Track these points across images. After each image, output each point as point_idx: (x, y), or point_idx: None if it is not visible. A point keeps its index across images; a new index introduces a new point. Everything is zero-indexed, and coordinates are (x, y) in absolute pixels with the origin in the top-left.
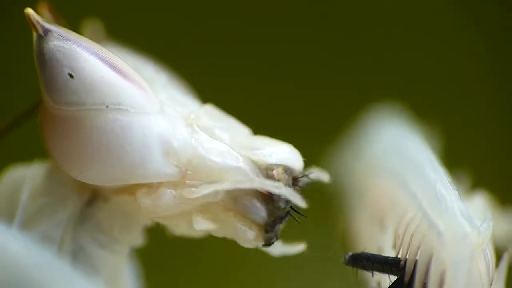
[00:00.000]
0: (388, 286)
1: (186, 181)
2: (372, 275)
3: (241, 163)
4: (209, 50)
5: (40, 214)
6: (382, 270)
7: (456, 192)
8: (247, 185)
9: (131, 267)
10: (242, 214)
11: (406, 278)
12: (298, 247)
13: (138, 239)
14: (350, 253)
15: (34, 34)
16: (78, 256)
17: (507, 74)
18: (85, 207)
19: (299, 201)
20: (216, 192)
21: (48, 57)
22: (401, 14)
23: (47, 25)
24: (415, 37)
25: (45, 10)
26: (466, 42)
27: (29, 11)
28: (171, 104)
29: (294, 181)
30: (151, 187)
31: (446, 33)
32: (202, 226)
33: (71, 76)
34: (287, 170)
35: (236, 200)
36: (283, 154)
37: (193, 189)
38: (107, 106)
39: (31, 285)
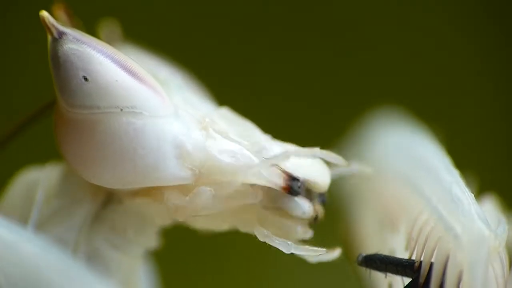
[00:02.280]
0: (402, 287)
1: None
2: (385, 276)
3: (255, 164)
4: (218, 49)
5: (54, 216)
6: (396, 272)
7: (472, 195)
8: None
9: (146, 268)
10: (286, 212)
11: (421, 279)
12: (334, 253)
13: (152, 241)
14: (364, 254)
15: (49, 37)
16: (92, 258)
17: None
18: (99, 209)
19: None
20: (250, 193)
21: (63, 60)
22: (404, 17)
23: (62, 28)
24: (418, 40)
25: (60, 11)
26: (469, 44)
27: (44, 13)
28: (185, 107)
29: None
30: (184, 187)
31: (449, 36)
32: (262, 237)
33: (85, 79)
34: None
35: (275, 199)
36: (311, 169)
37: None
38: (121, 110)
39: (47, 286)
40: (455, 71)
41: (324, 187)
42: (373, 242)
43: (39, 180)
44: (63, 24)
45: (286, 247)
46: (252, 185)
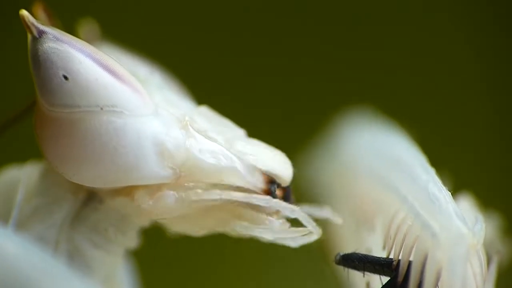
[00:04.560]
0: (379, 286)
1: (185, 184)
2: (363, 276)
3: (235, 164)
4: (199, 48)
5: (35, 215)
6: (374, 271)
7: (449, 193)
8: (262, 202)
9: (127, 267)
10: (258, 210)
11: (400, 278)
12: (313, 235)
13: (133, 241)
14: (341, 253)
15: (29, 36)
16: (73, 256)
17: (484, 72)
18: (80, 208)
19: (314, 228)
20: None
21: (43, 59)
22: (380, 17)
23: (42, 27)
24: (391, 39)
25: (40, 11)
26: (449, 40)
27: (24, 12)
28: (165, 105)
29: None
30: (151, 188)
31: (426, 35)
32: (244, 229)
33: (65, 78)
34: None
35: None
36: (274, 162)
37: (199, 191)
38: (102, 108)
39: (28, 285)
40: (429, 69)
41: (288, 180)
42: (350, 242)
43: (19, 178)
44: (43, 23)
45: (270, 232)
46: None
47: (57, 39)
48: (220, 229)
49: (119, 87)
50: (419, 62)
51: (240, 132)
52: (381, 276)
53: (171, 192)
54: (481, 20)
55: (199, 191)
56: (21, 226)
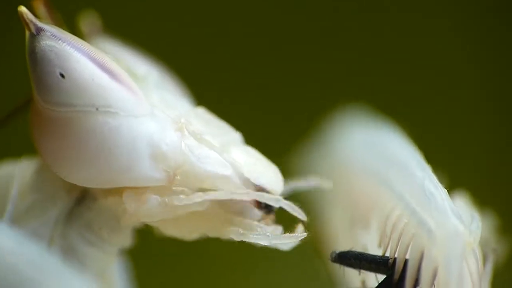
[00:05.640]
0: (376, 284)
1: (173, 188)
2: (359, 273)
3: (230, 172)
4: (195, 48)
5: (29, 211)
6: (370, 269)
7: (445, 190)
8: (244, 196)
9: (121, 265)
10: (240, 216)
11: (396, 276)
12: (301, 235)
13: (126, 240)
14: (337, 251)
15: (27, 33)
16: (67, 253)
17: (478, 71)
18: (74, 205)
19: (300, 214)
20: (205, 201)
21: (40, 56)
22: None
23: (40, 24)
24: (384, 36)
25: (40, 5)
26: (440, 38)
27: (22, 9)
28: (161, 106)
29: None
30: (137, 191)
31: (417, 32)
32: (238, 236)
33: (62, 76)
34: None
35: (228, 206)
36: (266, 178)
37: (182, 196)
38: (97, 109)
39: (22, 279)
40: (426, 69)
41: (277, 194)
42: (344, 239)
43: (14, 174)
44: (42, 20)
45: (266, 238)
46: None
47: (55, 37)
48: (212, 235)
49: (115, 87)
50: (415, 63)
51: (236, 136)
52: (377, 274)
53: (154, 196)
54: (476, 19)
55: (182, 196)
56: (16, 222)
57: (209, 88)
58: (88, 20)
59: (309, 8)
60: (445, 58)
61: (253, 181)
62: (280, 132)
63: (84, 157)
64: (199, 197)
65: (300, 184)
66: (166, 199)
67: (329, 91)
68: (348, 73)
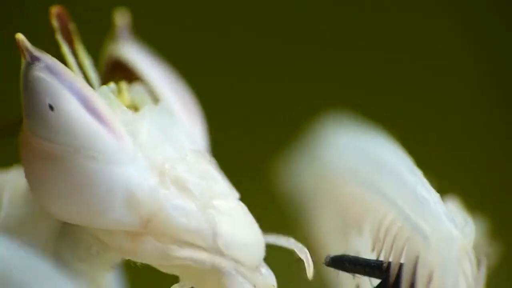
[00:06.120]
0: None
1: (168, 238)
2: (353, 278)
3: (204, 229)
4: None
5: (21, 223)
6: (364, 273)
7: (437, 194)
8: (216, 263)
9: (115, 275)
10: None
11: (391, 280)
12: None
13: (117, 257)
14: (331, 255)
15: (23, 60)
16: (59, 267)
17: (471, 73)
18: (64, 223)
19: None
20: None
21: (31, 86)
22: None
23: (36, 53)
24: (384, 36)
25: (54, 16)
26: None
27: (20, 36)
28: (148, 147)
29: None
30: (132, 232)
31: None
32: None
33: (51, 108)
34: None
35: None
36: (239, 250)
37: (176, 247)
38: (78, 150)
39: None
40: (419, 71)
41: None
42: (336, 245)
43: (4, 184)
44: (39, 50)
45: None
46: None
47: (48, 69)
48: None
49: (99, 131)
50: (415, 63)
51: (227, 190)
52: (371, 279)
53: (151, 238)
54: (476, 19)
55: (172, 246)
56: (8, 231)
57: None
58: (118, 19)
59: (306, 11)
60: (445, 58)
61: (226, 253)
62: (266, 134)
63: (61, 194)
64: (187, 252)
65: (276, 240)
66: (160, 245)
67: (324, 92)
68: (346, 74)
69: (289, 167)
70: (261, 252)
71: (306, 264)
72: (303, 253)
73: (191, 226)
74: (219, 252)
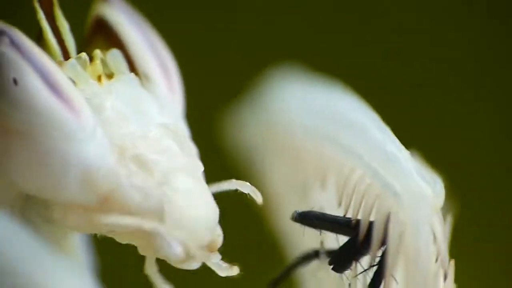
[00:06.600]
0: (335, 245)
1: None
2: (320, 234)
3: (156, 210)
4: None
5: None
6: (332, 229)
7: (407, 152)
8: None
9: (81, 239)
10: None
11: (360, 237)
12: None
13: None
14: (299, 211)
15: None
16: (27, 228)
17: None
18: None
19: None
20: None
21: None
22: None
23: (3, 27)
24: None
25: None
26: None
27: None
28: (112, 122)
29: None
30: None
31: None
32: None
33: (15, 82)
34: None
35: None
36: (185, 230)
37: (102, 216)
38: (37, 127)
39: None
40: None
41: (202, 244)
42: (294, 199)
43: None
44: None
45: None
46: None
47: (13, 45)
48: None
49: (57, 108)
50: (414, 63)
51: (182, 164)
52: (338, 235)
53: (78, 211)
54: (476, 19)
55: (103, 216)
56: None
57: None
58: None
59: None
60: (445, 58)
61: (173, 234)
62: (217, 86)
63: (20, 169)
64: (116, 219)
65: (223, 186)
66: (89, 215)
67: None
68: (344, 74)
69: (239, 119)
70: (208, 234)
71: (253, 195)
72: (247, 187)
73: (144, 205)
74: (167, 230)
